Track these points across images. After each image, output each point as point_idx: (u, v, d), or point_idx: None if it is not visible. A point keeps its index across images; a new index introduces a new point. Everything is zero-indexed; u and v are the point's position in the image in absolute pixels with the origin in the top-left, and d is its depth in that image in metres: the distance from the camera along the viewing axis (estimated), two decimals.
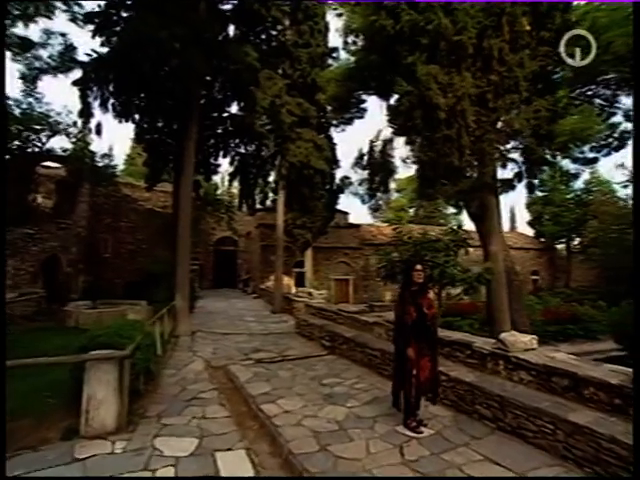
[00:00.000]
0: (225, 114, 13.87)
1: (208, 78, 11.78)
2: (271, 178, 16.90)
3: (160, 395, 5.32)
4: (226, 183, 24.70)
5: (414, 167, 11.33)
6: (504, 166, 8.31)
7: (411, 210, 41.30)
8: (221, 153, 14.76)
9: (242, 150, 15.13)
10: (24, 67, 13.54)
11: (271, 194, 17.14)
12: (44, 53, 13.42)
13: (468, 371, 4.78)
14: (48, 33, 12.53)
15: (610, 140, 14.82)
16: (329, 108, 16.27)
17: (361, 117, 16.00)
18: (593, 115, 12.32)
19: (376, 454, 3.55)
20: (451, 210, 39.90)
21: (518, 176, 8.31)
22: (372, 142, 13.31)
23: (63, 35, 13.15)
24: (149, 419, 4.44)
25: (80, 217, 15.89)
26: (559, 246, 30.09)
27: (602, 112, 13.72)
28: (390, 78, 8.44)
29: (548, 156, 9.30)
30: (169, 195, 16.49)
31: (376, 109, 27.78)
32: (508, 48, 7.11)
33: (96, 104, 10.80)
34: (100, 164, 16.42)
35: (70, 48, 12.98)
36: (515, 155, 8.37)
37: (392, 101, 11.01)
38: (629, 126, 14.50)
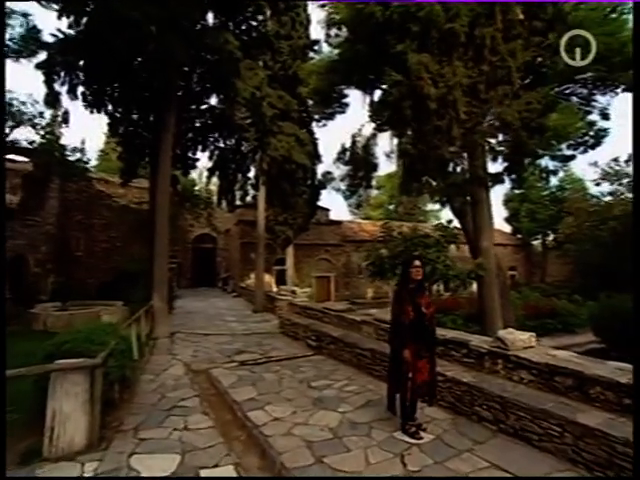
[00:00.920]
0: (204, 106, 13.33)
1: (186, 69, 11.21)
2: (251, 173, 16.42)
3: (137, 405, 4.90)
4: (204, 179, 24.08)
5: (397, 162, 11.17)
6: (495, 159, 8.24)
7: (390, 207, 41.47)
8: (200, 147, 14.18)
9: (222, 144, 14.66)
10: None
11: (251, 190, 16.66)
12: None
13: (465, 371, 4.61)
14: (8, 12, 11.43)
15: (587, 138, 15.13)
16: (310, 102, 15.92)
17: (343, 112, 15.66)
18: (574, 113, 12.50)
19: (376, 465, 3.30)
20: (430, 207, 40.44)
21: (508, 170, 8.25)
22: (354, 137, 13.10)
23: (25, 16, 12.12)
24: (125, 433, 4.03)
25: (49, 214, 15.03)
26: (535, 242, 30.90)
27: (579, 110, 13.98)
28: (377, 69, 8.20)
29: (539, 150, 9.31)
30: (145, 191, 15.75)
31: (358, 105, 27.62)
32: (501, 37, 7.04)
33: (63, 90, 10.05)
34: (71, 158, 15.49)
35: (34, 30, 11.96)
36: (505, 148, 8.29)
37: (376, 96, 10.85)
38: (605, 124, 14.90)
